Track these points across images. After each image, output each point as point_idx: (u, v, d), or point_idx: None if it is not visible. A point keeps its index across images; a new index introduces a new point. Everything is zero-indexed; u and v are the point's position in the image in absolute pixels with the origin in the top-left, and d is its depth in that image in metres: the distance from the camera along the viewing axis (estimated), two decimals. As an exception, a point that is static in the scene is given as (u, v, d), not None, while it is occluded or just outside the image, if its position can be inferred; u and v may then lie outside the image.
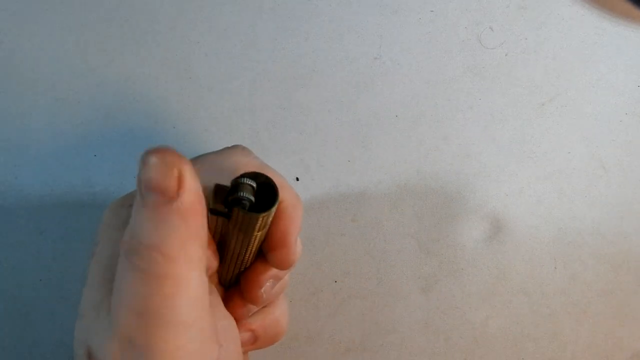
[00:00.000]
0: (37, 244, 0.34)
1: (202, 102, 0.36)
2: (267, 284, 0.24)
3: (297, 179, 0.35)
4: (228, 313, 0.24)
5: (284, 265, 0.23)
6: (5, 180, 0.35)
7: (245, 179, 0.20)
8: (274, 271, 0.24)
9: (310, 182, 0.35)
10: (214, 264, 0.23)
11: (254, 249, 0.23)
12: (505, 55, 0.37)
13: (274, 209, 0.20)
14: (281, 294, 0.27)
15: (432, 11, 0.37)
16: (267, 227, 0.22)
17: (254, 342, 0.27)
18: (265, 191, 0.21)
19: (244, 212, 0.20)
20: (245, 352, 0.27)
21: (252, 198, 0.20)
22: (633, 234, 0.35)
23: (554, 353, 0.34)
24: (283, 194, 0.22)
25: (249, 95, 0.36)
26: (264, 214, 0.20)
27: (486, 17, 0.37)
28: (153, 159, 0.18)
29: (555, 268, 0.35)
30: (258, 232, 0.21)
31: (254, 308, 0.26)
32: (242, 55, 0.36)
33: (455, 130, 0.36)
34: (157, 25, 0.36)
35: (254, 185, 0.20)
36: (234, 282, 0.25)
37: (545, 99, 0.36)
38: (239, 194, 0.20)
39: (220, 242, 0.23)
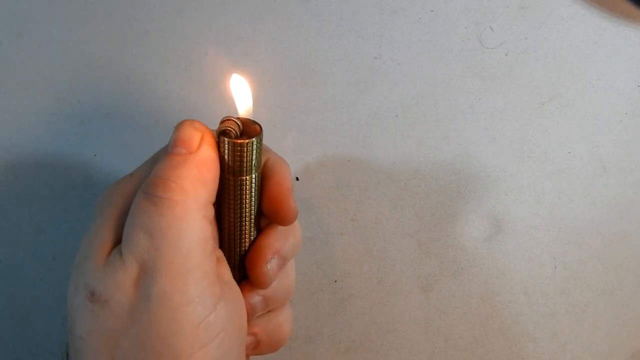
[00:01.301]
0: (37, 243, 0.34)
1: (202, 102, 0.36)
2: (273, 260, 0.25)
3: (297, 179, 0.35)
4: (233, 280, 0.24)
5: (286, 219, 0.25)
6: (5, 179, 0.35)
7: (230, 117, 0.24)
8: (277, 244, 0.25)
9: (310, 182, 0.35)
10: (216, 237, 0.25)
11: (249, 211, 0.24)
12: (505, 55, 0.37)
13: (259, 138, 0.23)
14: (287, 302, 0.27)
15: (432, 11, 0.37)
16: (258, 181, 0.24)
17: (255, 346, 0.27)
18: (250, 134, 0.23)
19: (230, 140, 0.23)
20: (247, 357, 0.27)
21: (237, 131, 0.23)
22: (633, 234, 0.35)
23: (554, 353, 0.34)
24: (268, 154, 0.25)
25: (252, 95, 0.36)
26: (249, 140, 0.23)
27: (486, 17, 0.37)
28: (186, 123, 0.23)
29: (555, 268, 0.35)
30: (248, 174, 0.23)
31: (259, 307, 0.26)
32: (242, 54, 0.36)
33: (455, 130, 0.36)
34: (157, 24, 0.36)
35: (238, 122, 0.23)
36: (240, 274, 0.26)
37: (545, 98, 0.36)
38: (225, 126, 0.23)
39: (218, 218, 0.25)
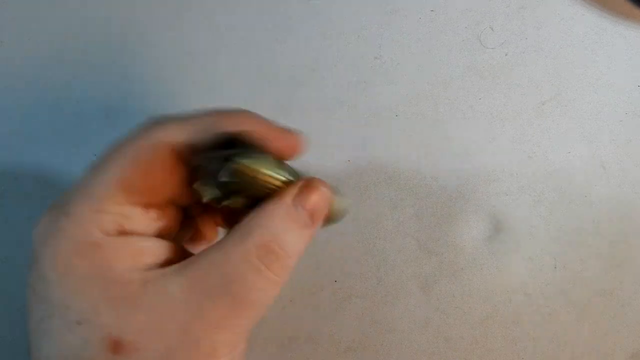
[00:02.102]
0: (37, 243, 0.34)
1: (201, 102, 0.36)
2: None
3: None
4: None
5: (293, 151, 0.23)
6: (5, 180, 0.35)
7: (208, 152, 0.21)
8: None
9: (310, 182, 0.35)
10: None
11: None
12: (506, 55, 0.37)
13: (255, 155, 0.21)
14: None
15: (432, 11, 0.37)
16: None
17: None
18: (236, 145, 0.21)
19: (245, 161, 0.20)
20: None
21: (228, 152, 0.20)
22: (633, 234, 0.35)
23: (554, 353, 0.34)
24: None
25: (249, 95, 0.36)
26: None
27: (486, 17, 0.37)
28: (324, 193, 0.22)
29: (555, 268, 0.35)
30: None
31: None
32: (242, 55, 0.36)
33: (455, 130, 0.36)
34: (157, 24, 0.36)
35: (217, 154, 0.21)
36: None
37: (545, 98, 0.36)
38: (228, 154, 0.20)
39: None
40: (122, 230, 0.20)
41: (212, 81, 0.36)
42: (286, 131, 0.23)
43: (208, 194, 0.21)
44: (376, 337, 0.34)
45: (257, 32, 0.37)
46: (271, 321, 0.34)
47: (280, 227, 0.20)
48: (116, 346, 0.19)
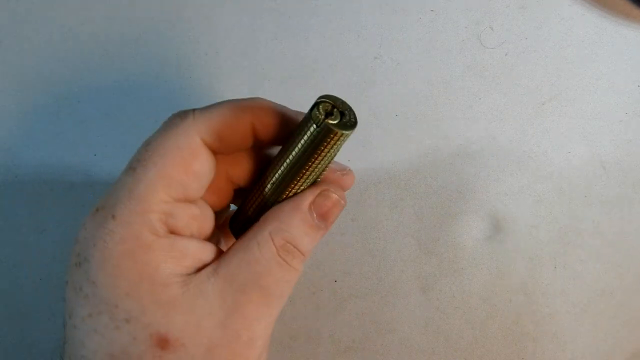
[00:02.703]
0: (38, 243, 0.34)
1: (202, 101, 0.36)
2: None
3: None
4: None
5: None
6: (5, 179, 0.35)
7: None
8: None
9: (310, 181, 0.35)
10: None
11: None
12: (506, 54, 0.37)
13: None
14: None
15: (432, 11, 0.37)
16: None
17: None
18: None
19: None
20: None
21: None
22: (633, 234, 0.35)
23: (554, 353, 0.34)
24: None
25: (249, 94, 0.36)
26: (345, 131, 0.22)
27: (486, 17, 0.37)
28: (336, 199, 0.24)
29: (555, 268, 0.35)
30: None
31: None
32: (242, 54, 0.36)
33: (455, 130, 0.36)
34: (157, 24, 0.36)
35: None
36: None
37: (545, 98, 0.36)
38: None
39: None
40: (169, 228, 0.22)
41: (212, 81, 0.36)
42: (342, 171, 0.26)
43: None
44: (376, 336, 0.34)
45: (257, 32, 0.37)
46: (271, 321, 0.34)
47: (298, 231, 0.23)
48: (163, 342, 0.21)
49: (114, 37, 0.36)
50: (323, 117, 0.22)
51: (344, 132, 0.22)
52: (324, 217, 0.24)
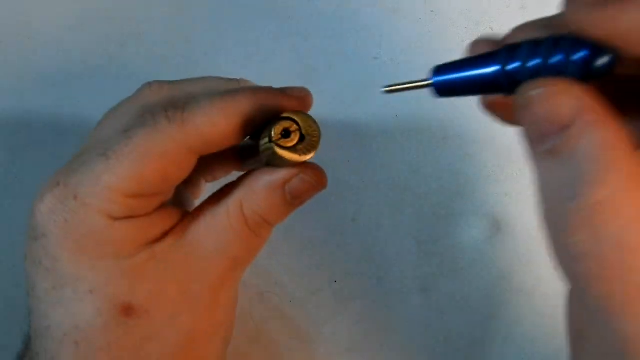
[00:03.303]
0: (37, 243, 0.34)
1: (202, 102, 0.36)
2: None
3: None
4: None
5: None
6: (5, 179, 0.35)
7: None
8: None
9: (310, 182, 0.35)
10: None
11: None
12: (505, 55, 0.37)
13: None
14: None
15: (432, 11, 0.37)
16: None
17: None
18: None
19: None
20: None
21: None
22: (633, 234, 0.35)
23: (553, 353, 0.34)
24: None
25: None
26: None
27: (486, 18, 0.37)
28: (320, 187, 0.24)
29: (555, 268, 0.35)
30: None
31: None
32: (241, 54, 0.36)
33: (455, 130, 0.36)
34: (157, 24, 0.36)
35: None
36: None
37: (545, 99, 0.36)
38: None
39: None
40: (130, 215, 0.22)
41: (212, 81, 0.36)
42: (290, 94, 0.25)
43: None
44: (376, 337, 0.34)
45: (257, 32, 0.37)
46: (272, 321, 0.34)
47: (268, 204, 0.23)
48: (127, 310, 0.21)
49: (114, 37, 0.36)
50: (277, 137, 0.22)
51: (291, 156, 0.22)
52: (296, 197, 0.23)
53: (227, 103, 0.22)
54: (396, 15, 0.37)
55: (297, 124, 0.22)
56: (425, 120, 0.36)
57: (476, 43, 0.18)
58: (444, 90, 0.20)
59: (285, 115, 0.23)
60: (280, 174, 0.23)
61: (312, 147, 0.23)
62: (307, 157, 0.23)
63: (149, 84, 0.25)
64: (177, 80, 0.26)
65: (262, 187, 0.23)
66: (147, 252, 0.22)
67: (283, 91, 0.24)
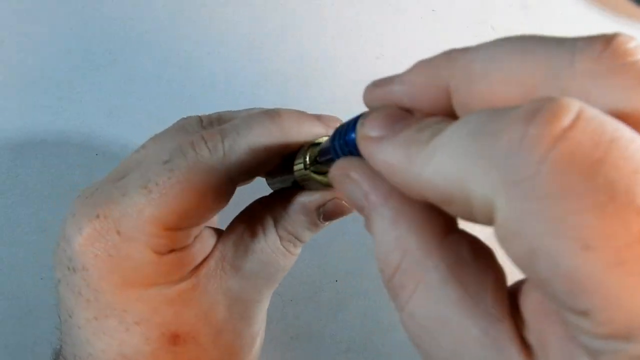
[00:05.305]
0: (39, 242, 0.34)
1: (204, 100, 0.36)
2: None
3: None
4: None
5: None
6: (7, 178, 0.35)
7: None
8: None
9: (311, 181, 0.35)
10: None
11: None
12: (507, 54, 0.37)
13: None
14: None
15: (434, 10, 0.37)
16: None
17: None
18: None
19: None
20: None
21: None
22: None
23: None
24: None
25: (251, 94, 0.36)
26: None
27: (488, 17, 0.37)
28: (351, 210, 0.24)
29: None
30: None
31: None
32: (243, 53, 0.36)
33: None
34: (159, 23, 0.36)
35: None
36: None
37: (547, 98, 0.36)
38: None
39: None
40: (174, 248, 0.22)
41: (213, 80, 0.36)
42: (326, 122, 0.25)
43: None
44: (377, 336, 0.34)
45: (259, 31, 0.37)
46: (273, 321, 0.34)
47: (302, 226, 0.24)
48: (175, 339, 0.22)
49: (116, 36, 0.36)
50: (309, 162, 0.22)
51: (327, 181, 0.22)
52: (328, 218, 0.24)
53: (267, 130, 0.22)
54: (398, 14, 0.37)
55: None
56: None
57: (370, 87, 0.19)
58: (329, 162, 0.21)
59: (320, 141, 0.23)
60: (316, 199, 0.24)
61: None
62: None
63: (189, 117, 0.25)
64: (214, 112, 0.27)
65: (297, 210, 0.24)
66: (192, 279, 0.22)
67: (318, 117, 0.24)
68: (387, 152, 0.14)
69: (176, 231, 0.21)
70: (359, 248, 0.35)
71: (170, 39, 0.36)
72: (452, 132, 0.12)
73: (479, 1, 0.37)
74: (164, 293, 0.21)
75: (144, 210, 0.20)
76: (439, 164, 0.13)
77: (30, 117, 0.35)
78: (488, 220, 0.13)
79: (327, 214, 0.24)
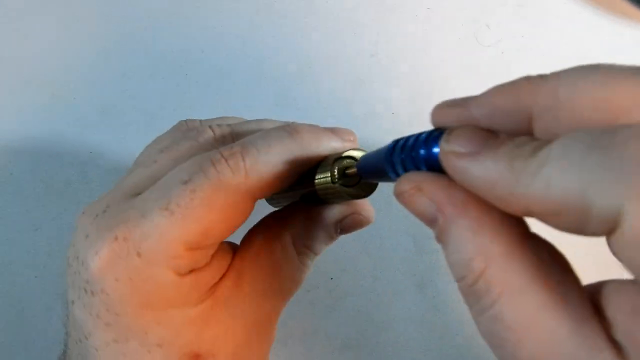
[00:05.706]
0: (33, 240, 0.34)
1: (198, 99, 0.36)
2: None
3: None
4: None
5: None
6: (1, 176, 0.35)
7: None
8: None
9: (306, 179, 0.35)
10: None
11: None
12: (502, 53, 0.37)
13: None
14: None
15: (428, 8, 0.37)
16: None
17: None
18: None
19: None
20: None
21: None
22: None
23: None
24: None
25: (247, 92, 0.36)
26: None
27: (483, 15, 0.37)
28: (369, 222, 0.26)
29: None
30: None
31: None
32: (238, 52, 0.36)
33: (452, 127, 0.36)
34: (154, 21, 0.36)
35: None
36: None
37: (541, 96, 0.37)
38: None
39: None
40: (194, 268, 0.22)
41: (209, 78, 0.36)
42: (344, 137, 0.25)
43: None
44: (372, 334, 0.34)
45: (255, 29, 0.37)
46: (267, 318, 0.34)
47: (318, 240, 0.24)
48: (196, 358, 0.22)
49: (110, 34, 0.36)
50: (337, 176, 0.22)
51: (354, 194, 0.23)
52: (346, 232, 0.25)
53: (286, 147, 0.22)
54: (393, 12, 0.37)
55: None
56: (422, 117, 0.36)
57: (439, 107, 0.19)
58: (366, 176, 0.22)
59: (347, 154, 0.23)
60: (335, 214, 0.24)
61: (374, 186, 0.23)
62: (368, 196, 0.23)
63: (203, 127, 0.24)
64: (228, 121, 0.26)
65: (317, 226, 0.24)
66: (211, 298, 0.22)
67: (333, 131, 0.24)
68: (486, 167, 0.14)
69: (197, 251, 0.21)
70: (354, 246, 0.35)
71: (164, 36, 0.36)
72: (565, 147, 0.13)
73: (473, -1, 0.37)
74: (185, 314, 0.21)
75: (167, 232, 0.20)
76: (552, 176, 0.13)
77: (23, 115, 0.35)
78: (605, 231, 0.13)
79: (345, 227, 0.24)
